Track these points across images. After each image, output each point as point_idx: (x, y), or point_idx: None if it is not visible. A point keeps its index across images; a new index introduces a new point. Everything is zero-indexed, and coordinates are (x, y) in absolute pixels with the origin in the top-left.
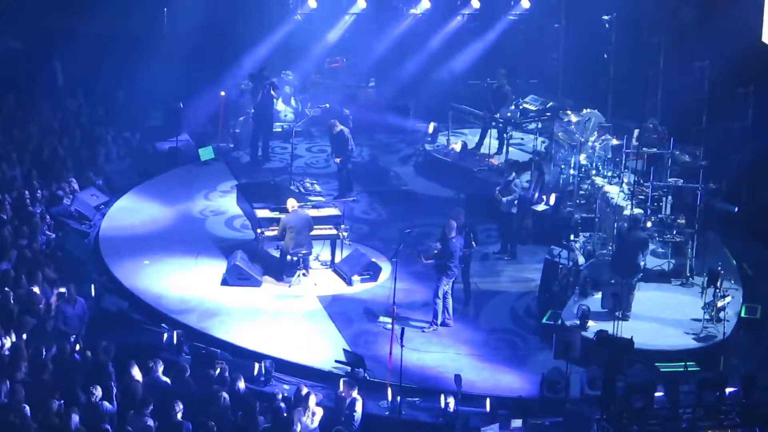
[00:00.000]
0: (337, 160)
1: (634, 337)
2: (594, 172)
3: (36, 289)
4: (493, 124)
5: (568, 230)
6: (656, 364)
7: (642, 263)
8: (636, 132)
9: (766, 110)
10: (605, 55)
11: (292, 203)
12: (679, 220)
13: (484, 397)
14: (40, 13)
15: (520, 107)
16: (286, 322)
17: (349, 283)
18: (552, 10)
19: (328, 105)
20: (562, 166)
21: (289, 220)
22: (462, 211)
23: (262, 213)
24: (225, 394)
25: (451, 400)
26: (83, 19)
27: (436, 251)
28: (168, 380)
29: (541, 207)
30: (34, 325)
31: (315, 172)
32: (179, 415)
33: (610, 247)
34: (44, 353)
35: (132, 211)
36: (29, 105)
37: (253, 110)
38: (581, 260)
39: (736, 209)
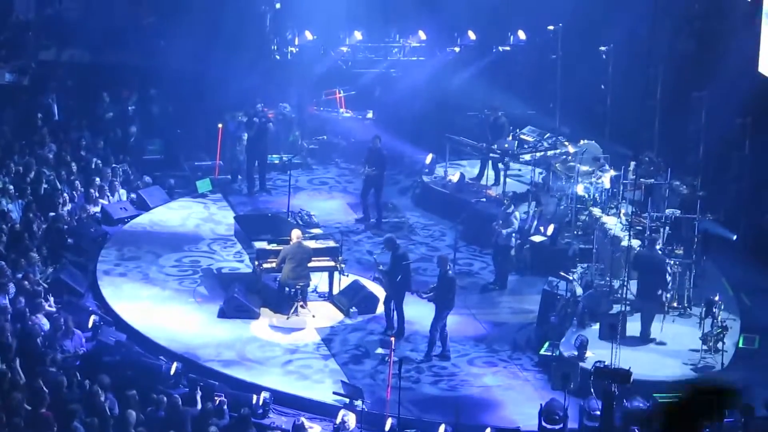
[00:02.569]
0: (364, 170)
1: (632, 368)
2: (591, 203)
3: (33, 322)
4: (491, 155)
5: (566, 261)
6: (654, 394)
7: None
8: (632, 164)
9: (764, 140)
10: (602, 86)
11: (297, 234)
12: (676, 251)
13: (483, 427)
14: (37, 46)
15: (518, 138)
16: (284, 354)
17: (347, 314)
18: (549, 41)
19: (325, 137)
20: (560, 197)
21: (290, 251)
22: (393, 238)
23: (260, 245)
24: (214, 428)
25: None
26: (80, 51)
27: (433, 285)
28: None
29: (538, 238)
30: (33, 356)
31: (315, 204)
32: None
33: (607, 278)
34: (42, 385)
35: (129, 243)
36: (26, 138)
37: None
38: (579, 291)
39: (735, 237)
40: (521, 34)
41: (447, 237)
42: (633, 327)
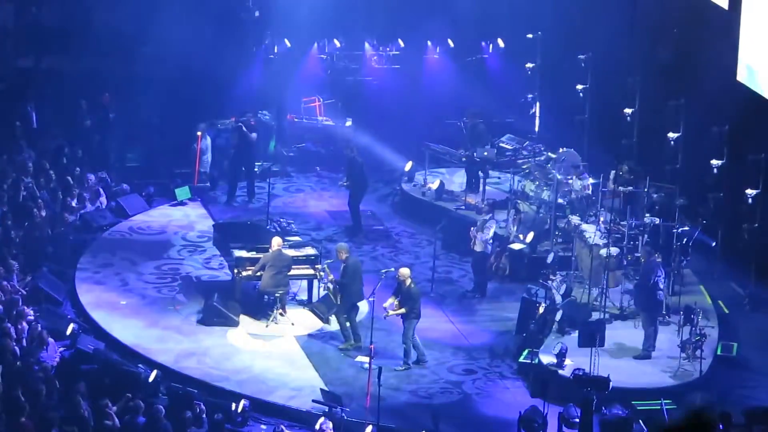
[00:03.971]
0: (344, 183)
1: (611, 376)
2: (569, 210)
3: (11, 330)
4: (469, 163)
5: (545, 269)
6: (633, 402)
7: (659, 291)
8: (612, 173)
9: (742, 149)
10: (581, 94)
11: (277, 242)
12: (656, 258)
13: None
14: (15, 53)
15: (497, 146)
16: (263, 362)
17: (326, 322)
18: (527, 49)
19: (304, 144)
20: (539, 205)
21: (270, 259)
22: (345, 247)
23: (240, 253)
24: None
25: None
26: (59, 59)
27: (398, 300)
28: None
29: (517, 245)
30: (10, 365)
31: (292, 212)
32: None
33: (586, 286)
34: (20, 394)
35: (108, 251)
36: (4, 145)
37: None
38: (558, 299)
39: (714, 244)
40: (500, 42)
41: (434, 246)
42: (621, 335)
